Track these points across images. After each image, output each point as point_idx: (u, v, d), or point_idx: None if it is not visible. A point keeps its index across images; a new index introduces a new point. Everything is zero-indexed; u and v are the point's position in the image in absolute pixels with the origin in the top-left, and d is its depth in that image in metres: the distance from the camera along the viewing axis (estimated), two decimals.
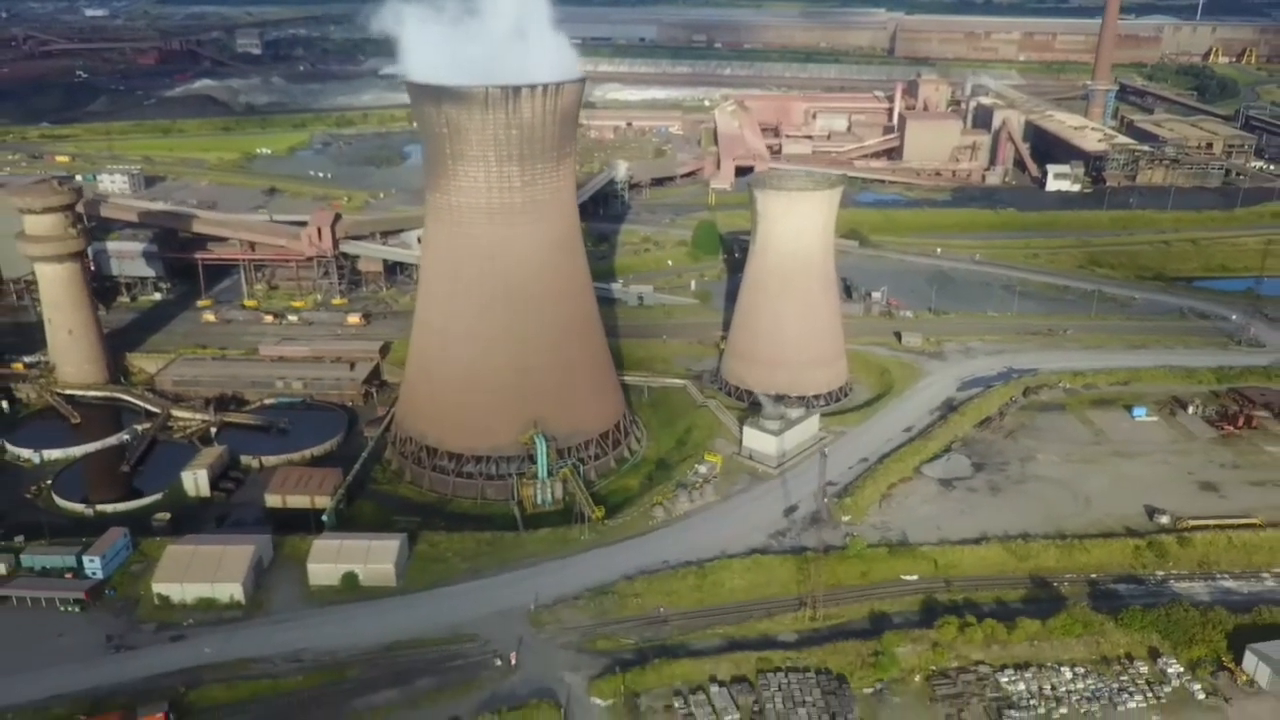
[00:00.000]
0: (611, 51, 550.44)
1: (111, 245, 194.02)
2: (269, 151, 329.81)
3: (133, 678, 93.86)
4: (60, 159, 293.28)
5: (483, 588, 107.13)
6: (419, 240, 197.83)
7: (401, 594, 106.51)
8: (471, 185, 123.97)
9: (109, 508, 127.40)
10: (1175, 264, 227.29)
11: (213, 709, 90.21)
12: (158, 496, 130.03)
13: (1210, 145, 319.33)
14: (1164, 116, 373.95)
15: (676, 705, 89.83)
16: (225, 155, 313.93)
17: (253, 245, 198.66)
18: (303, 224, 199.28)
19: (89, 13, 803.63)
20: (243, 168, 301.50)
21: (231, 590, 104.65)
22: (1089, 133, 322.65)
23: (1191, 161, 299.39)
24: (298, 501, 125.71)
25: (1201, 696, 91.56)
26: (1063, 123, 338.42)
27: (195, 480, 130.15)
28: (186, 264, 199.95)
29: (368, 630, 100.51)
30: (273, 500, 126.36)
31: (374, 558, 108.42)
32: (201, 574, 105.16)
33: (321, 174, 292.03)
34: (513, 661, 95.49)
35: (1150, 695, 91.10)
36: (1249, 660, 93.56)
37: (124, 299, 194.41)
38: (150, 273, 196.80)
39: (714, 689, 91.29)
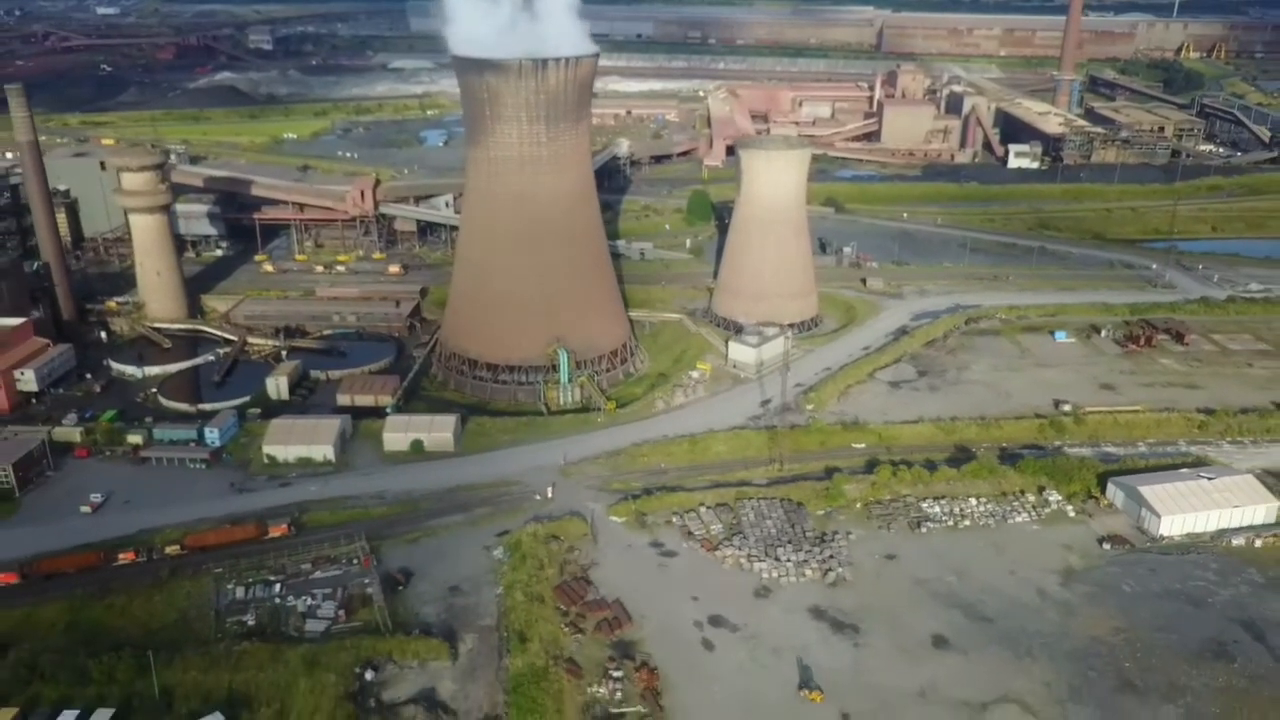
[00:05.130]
0: (610, 47, 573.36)
1: (180, 207, 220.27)
2: (294, 136, 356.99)
3: (256, 508, 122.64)
4: (106, 142, 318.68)
5: (522, 452, 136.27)
6: (446, 205, 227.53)
7: (458, 456, 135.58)
8: (505, 141, 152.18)
9: (208, 406, 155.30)
10: (1116, 228, 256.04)
11: (322, 527, 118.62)
12: (247, 399, 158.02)
13: (1162, 129, 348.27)
14: (1123, 104, 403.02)
15: (674, 520, 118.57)
16: (255, 139, 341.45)
17: (302, 207, 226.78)
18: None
19: (100, 10, 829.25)
20: (273, 149, 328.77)
21: (324, 451, 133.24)
22: (1051, 117, 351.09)
23: (1141, 142, 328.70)
24: (364, 401, 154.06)
25: (1072, 515, 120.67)
26: (1028, 109, 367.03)
27: (277, 385, 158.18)
28: (244, 225, 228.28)
29: (434, 479, 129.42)
30: (343, 400, 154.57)
31: (436, 428, 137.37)
32: (300, 439, 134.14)
33: (348, 154, 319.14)
34: (549, 495, 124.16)
35: (1033, 514, 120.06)
36: (1110, 489, 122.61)
37: (190, 254, 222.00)
38: (213, 231, 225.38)
39: (703, 510, 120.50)
